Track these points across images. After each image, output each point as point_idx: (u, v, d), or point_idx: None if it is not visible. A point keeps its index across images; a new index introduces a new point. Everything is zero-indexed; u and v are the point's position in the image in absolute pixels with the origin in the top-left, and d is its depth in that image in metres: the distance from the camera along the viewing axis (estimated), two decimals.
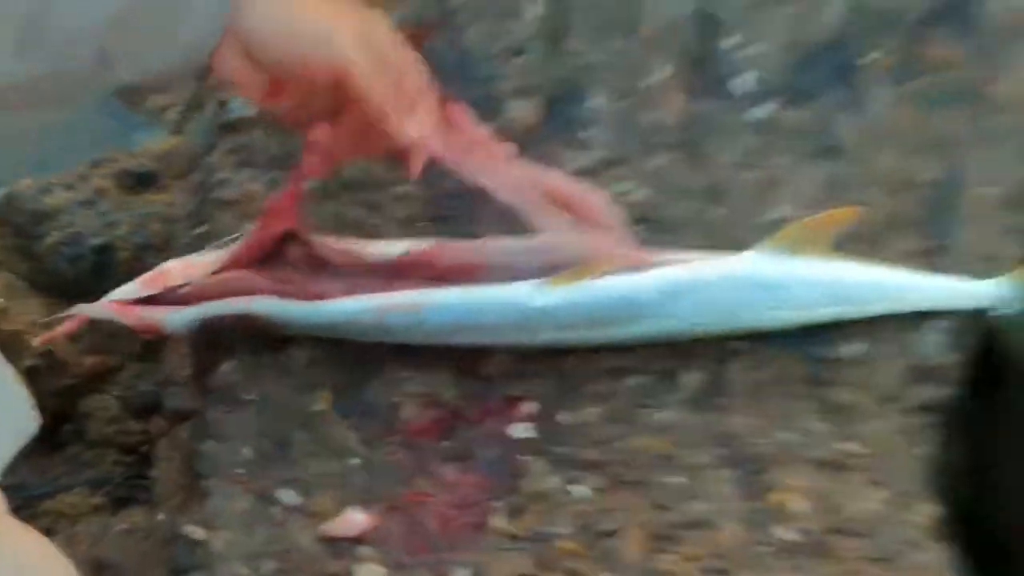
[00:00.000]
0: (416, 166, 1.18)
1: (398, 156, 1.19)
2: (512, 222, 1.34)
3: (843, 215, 1.31)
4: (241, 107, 1.34)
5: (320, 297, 1.24)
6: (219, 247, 1.26)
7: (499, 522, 1.22)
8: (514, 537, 1.21)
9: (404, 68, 1.18)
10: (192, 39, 1.10)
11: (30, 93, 1.08)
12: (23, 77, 1.04)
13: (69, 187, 1.57)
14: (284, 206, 1.23)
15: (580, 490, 1.24)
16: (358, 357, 1.30)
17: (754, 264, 1.28)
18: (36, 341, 1.26)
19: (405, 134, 1.16)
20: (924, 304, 1.34)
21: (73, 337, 1.52)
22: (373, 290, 1.25)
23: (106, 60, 1.07)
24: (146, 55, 1.11)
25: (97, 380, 1.55)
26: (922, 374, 1.32)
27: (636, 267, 1.26)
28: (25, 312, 1.49)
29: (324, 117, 1.18)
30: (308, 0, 1.14)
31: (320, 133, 1.20)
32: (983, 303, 1.33)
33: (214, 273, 1.23)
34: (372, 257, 1.26)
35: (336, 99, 1.14)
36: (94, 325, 1.48)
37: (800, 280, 1.29)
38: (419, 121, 1.17)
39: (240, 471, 1.23)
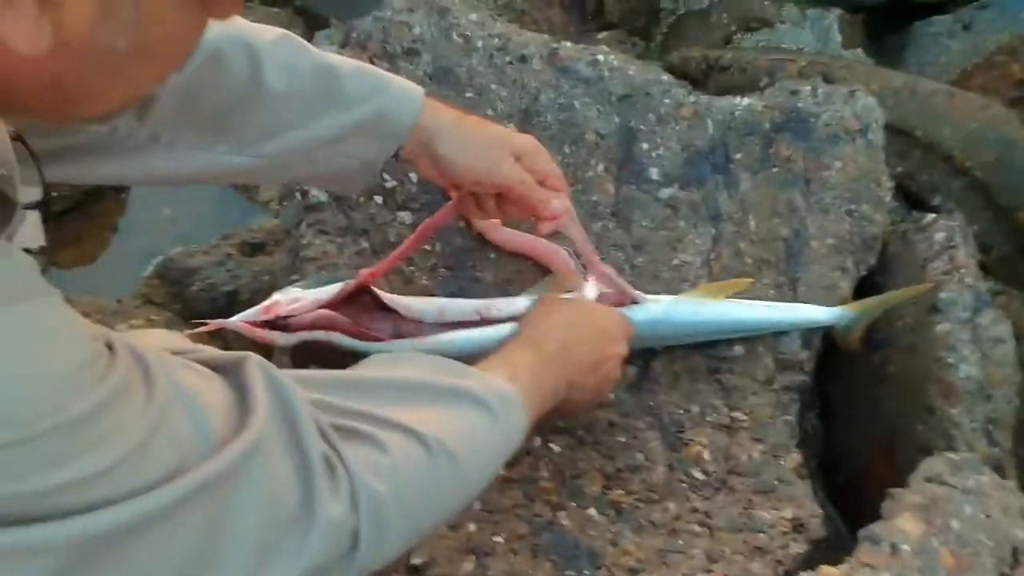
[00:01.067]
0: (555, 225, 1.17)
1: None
2: (502, 268, 1.35)
3: (739, 283, 1.30)
4: (319, 194, 1.33)
5: (376, 333, 1.20)
6: (307, 285, 1.22)
7: (500, 470, 1.15)
8: (510, 480, 1.20)
9: (547, 170, 1.16)
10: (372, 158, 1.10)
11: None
12: None
13: (206, 253, 1.60)
14: (376, 273, 1.20)
15: (555, 447, 1.23)
16: None
17: (675, 307, 1.28)
18: (185, 333, 1.20)
19: (549, 210, 1.15)
20: (791, 326, 1.34)
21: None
22: (409, 329, 1.22)
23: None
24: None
25: None
26: (785, 365, 1.34)
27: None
28: None
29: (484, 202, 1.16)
30: (480, 130, 1.13)
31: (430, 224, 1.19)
32: (829, 322, 1.35)
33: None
34: (411, 311, 1.22)
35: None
36: (223, 343, 1.46)
37: (709, 317, 1.30)
38: (558, 200, 1.16)
39: None
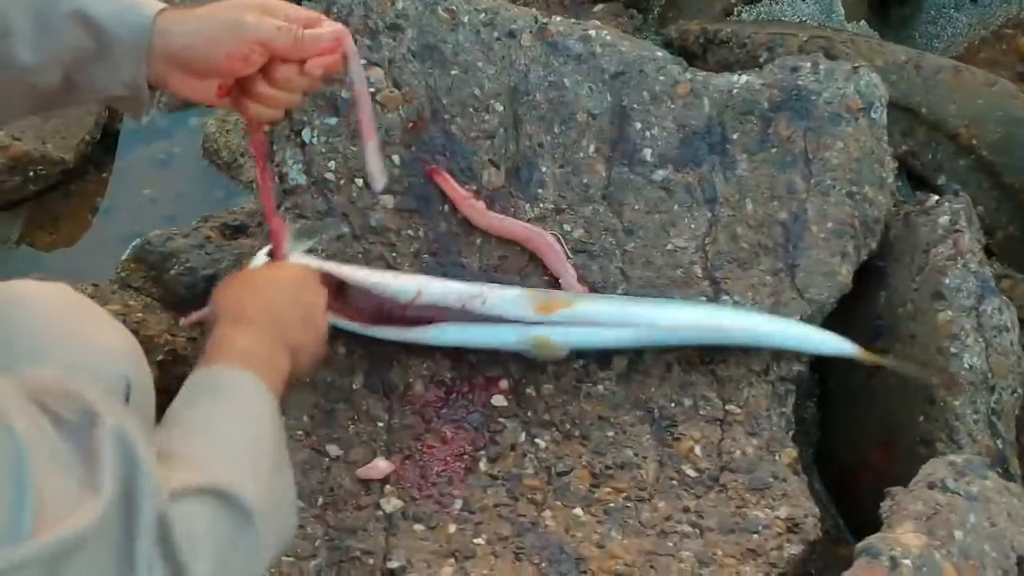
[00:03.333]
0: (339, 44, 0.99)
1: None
2: (487, 254, 1.29)
3: None
4: (297, 176, 1.27)
5: (359, 308, 1.18)
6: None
7: (483, 466, 1.15)
8: (494, 477, 1.15)
9: (305, 15, 0.97)
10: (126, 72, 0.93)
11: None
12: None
13: (185, 235, 1.52)
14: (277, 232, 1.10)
15: (540, 443, 1.18)
16: (382, 351, 1.22)
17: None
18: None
19: (326, 39, 0.96)
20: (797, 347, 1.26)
21: (192, 337, 1.45)
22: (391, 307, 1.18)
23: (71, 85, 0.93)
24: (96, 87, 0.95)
25: None
26: (782, 355, 1.27)
27: None
28: (158, 323, 1.44)
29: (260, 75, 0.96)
30: (210, 7, 0.96)
31: (253, 122, 1.03)
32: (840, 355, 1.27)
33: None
34: (383, 289, 1.17)
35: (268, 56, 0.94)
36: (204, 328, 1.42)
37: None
38: (330, 25, 0.98)
39: (299, 432, 1.16)
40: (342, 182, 1.29)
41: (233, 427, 0.81)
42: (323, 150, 1.28)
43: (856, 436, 1.40)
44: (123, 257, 1.54)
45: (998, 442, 1.29)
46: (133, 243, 1.55)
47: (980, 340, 1.29)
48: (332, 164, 1.29)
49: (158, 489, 0.65)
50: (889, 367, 1.28)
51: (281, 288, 1.02)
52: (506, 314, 1.19)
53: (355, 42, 1.22)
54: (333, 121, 1.29)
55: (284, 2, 0.98)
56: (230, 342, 0.90)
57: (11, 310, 0.89)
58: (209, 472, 0.73)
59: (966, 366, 1.28)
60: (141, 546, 0.62)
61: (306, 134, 1.29)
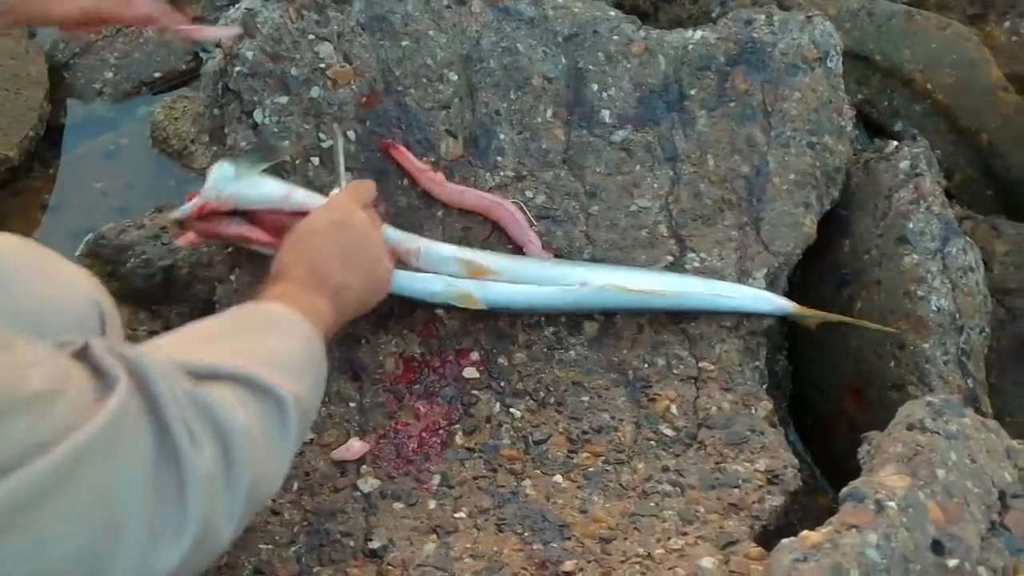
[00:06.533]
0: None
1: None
2: (449, 226, 1.27)
3: None
4: None
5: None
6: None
7: (459, 440, 1.14)
8: (471, 450, 1.13)
9: None
10: None
11: None
12: None
13: (140, 227, 1.48)
14: None
15: (516, 412, 1.16)
16: (352, 331, 1.18)
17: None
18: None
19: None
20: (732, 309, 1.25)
21: (153, 331, 1.42)
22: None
23: None
24: None
25: None
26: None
27: None
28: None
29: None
30: None
31: None
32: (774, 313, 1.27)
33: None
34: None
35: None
36: (168, 325, 1.42)
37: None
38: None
39: None
40: (297, 161, 1.26)
41: (264, 339, 0.84)
42: (276, 130, 1.25)
43: (827, 385, 1.41)
44: (77, 253, 1.50)
45: (968, 381, 1.29)
46: (86, 238, 1.51)
47: (946, 282, 1.30)
48: (286, 144, 1.25)
49: (168, 374, 0.68)
50: (831, 320, 1.30)
51: (319, 235, 1.02)
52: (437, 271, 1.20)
53: (302, 17, 1.22)
54: (284, 100, 1.26)
55: None
56: (263, 293, 0.94)
57: None
58: (240, 366, 0.75)
59: (934, 308, 1.28)
60: (170, 412, 0.66)
61: (258, 115, 1.25)
